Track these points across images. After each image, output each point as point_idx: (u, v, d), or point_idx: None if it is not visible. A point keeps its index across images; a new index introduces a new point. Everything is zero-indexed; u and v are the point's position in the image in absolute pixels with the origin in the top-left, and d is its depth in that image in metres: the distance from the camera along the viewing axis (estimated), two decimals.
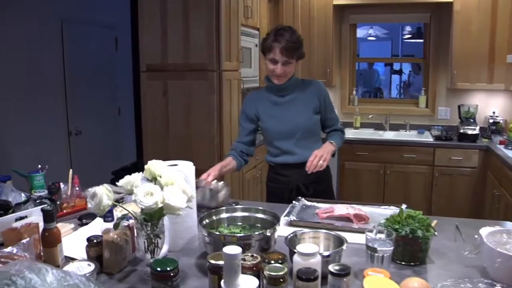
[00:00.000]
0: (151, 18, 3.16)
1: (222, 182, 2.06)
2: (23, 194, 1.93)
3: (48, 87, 4.46)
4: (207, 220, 1.53)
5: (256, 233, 1.37)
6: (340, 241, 1.40)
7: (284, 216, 1.85)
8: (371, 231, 1.39)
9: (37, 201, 1.87)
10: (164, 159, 1.53)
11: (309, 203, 2.05)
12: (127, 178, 1.45)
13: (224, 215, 1.59)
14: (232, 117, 3.28)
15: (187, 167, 1.62)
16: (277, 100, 2.30)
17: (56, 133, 4.63)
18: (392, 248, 1.34)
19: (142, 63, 3.26)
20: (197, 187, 1.80)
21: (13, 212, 1.75)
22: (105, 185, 1.41)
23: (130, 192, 1.41)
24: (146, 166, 1.49)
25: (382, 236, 1.37)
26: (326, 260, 1.27)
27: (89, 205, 1.38)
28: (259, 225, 1.56)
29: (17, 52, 4.10)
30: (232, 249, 1.13)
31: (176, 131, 3.23)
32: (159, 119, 3.26)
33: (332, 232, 1.47)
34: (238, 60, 3.49)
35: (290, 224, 1.78)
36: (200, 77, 3.09)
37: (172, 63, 3.16)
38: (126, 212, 1.43)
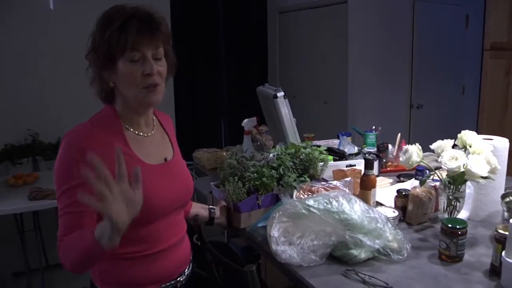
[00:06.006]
0: None
1: None
2: (356, 148, 2.33)
3: (396, 63, 4.85)
4: (511, 198, 1.52)
5: None
6: None
7: None
8: None
9: (366, 154, 2.22)
10: None
11: None
12: (439, 142, 1.62)
13: None
14: None
15: (500, 143, 1.63)
16: None
17: (399, 105, 5.01)
18: None
19: (487, 42, 3.21)
20: None
21: (345, 159, 2.17)
22: (417, 144, 1.61)
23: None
24: (459, 135, 1.62)
25: None
26: None
27: (401, 159, 1.62)
28: None
29: (372, 28, 4.63)
30: None
31: None
32: (497, 99, 3.15)
33: None
34: None
35: None
36: None
37: None
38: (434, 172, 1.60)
